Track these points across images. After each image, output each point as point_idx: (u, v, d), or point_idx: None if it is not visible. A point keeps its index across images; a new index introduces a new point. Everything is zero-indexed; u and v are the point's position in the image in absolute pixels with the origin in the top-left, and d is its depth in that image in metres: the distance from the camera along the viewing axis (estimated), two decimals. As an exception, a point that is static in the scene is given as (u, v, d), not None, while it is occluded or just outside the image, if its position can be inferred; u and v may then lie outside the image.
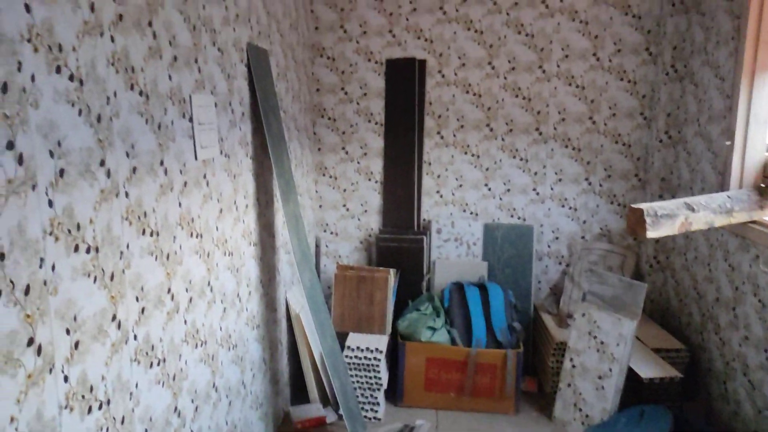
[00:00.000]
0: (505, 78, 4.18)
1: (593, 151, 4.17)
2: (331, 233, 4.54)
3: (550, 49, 4.10)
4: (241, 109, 2.74)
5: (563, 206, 4.25)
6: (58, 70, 1.39)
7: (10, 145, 1.23)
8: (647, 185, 4.10)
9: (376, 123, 4.35)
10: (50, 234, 1.37)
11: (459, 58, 4.20)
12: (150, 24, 1.85)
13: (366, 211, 4.47)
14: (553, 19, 4.06)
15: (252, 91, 2.87)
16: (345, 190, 4.47)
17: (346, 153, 4.41)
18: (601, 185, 4.20)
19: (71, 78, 1.44)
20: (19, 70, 1.26)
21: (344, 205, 4.49)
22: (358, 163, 4.41)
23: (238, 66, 2.69)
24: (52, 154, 1.37)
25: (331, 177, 4.46)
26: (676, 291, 3.87)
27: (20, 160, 1.26)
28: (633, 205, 2.80)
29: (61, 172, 1.40)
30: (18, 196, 1.26)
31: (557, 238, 4.29)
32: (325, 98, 4.34)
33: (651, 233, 2.70)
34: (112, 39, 1.63)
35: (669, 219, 2.74)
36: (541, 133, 4.21)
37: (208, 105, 2.29)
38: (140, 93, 1.79)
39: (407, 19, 4.18)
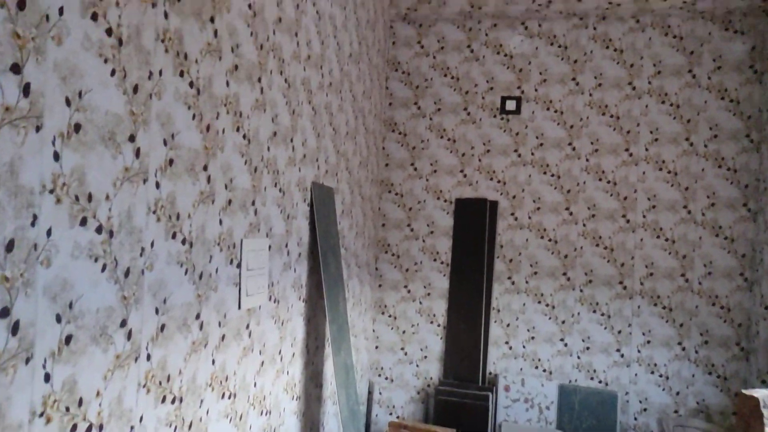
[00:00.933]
0: (584, 225, 3.88)
1: (687, 312, 3.70)
2: (386, 378, 4.15)
3: (634, 198, 3.81)
4: (299, 250, 2.57)
5: (652, 372, 3.72)
6: (84, 222, 1.23)
7: (5, 312, 1.04)
8: (751, 356, 3.53)
9: (442, 263, 4.10)
10: (40, 415, 1.13)
11: (534, 202, 3.98)
12: (205, 168, 1.73)
13: (426, 357, 4.09)
14: (637, 168, 3.82)
15: (312, 230, 2.71)
16: (404, 332, 4.14)
17: (408, 292, 4.14)
18: (696, 352, 3.66)
19: (99, 230, 1.28)
20: (33, 224, 1.10)
21: (402, 349, 4.14)
22: (420, 303, 4.12)
23: (300, 205, 2.55)
24: (59, 318, 1.17)
25: (390, 316, 4.16)
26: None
27: (15, 329, 1.06)
28: (745, 392, 2.32)
29: (68, 339, 1.19)
30: (4, 372, 1.04)
31: (645, 410, 3.70)
32: (390, 233, 4.17)
33: (776, 435, 2.19)
34: (158, 185, 1.50)
35: (798, 418, 2.23)
36: (625, 288, 3.80)
37: (260, 249, 2.12)
38: (183, 241, 1.62)
39: (480, 160, 4.05)
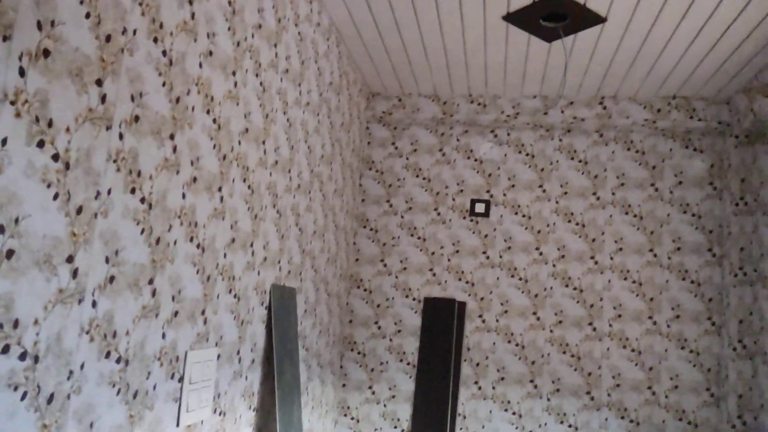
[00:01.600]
0: (551, 331, 3.86)
1: (654, 427, 3.62)
2: (346, 486, 3.95)
3: (600, 306, 3.82)
4: (252, 356, 2.50)
5: (620, 491, 3.58)
6: (6, 349, 1.20)
7: None
8: (723, 477, 3.43)
9: (408, 363, 4.01)
10: None
11: (501, 305, 3.97)
12: (151, 281, 1.71)
13: (388, 464, 3.92)
14: (603, 276, 3.86)
15: (269, 334, 2.66)
16: (367, 436, 3.98)
17: (373, 393, 4.02)
18: (665, 469, 3.55)
19: (23, 356, 1.24)
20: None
21: (364, 454, 3.96)
22: (385, 406, 3.99)
23: (257, 309, 2.52)
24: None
25: (353, 419, 4.02)
26: None
27: None
28: None
29: (-31, 479, 1.13)
30: None
31: None
32: (356, 330, 4.10)
33: None
34: (94, 304, 1.47)
35: None
36: (593, 398, 3.73)
37: (207, 359, 2.06)
38: (118, 360, 1.58)
39: (449, 260, 4.07)
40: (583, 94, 3.88)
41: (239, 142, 2.25)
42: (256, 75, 2.36)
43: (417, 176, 4.19)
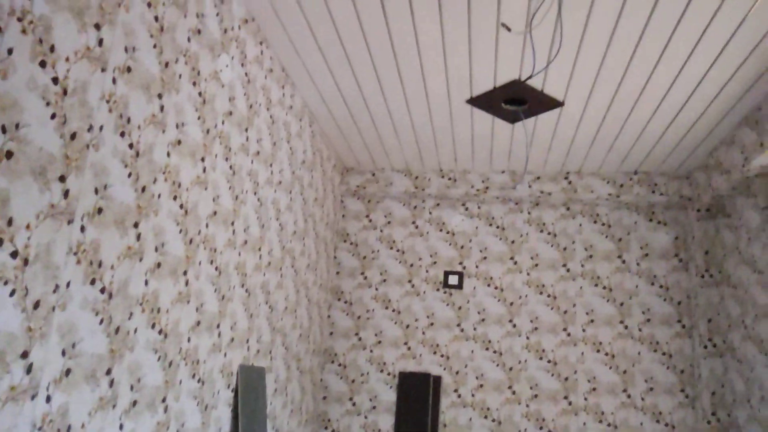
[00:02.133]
0: (527, 406, 3.82)
1: (634, 504, 3.54)
2: None
3: (575, 379, 3.81)
4: (216, 442, 2.44)
5: None
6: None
7: None
8: None
9: (384, 441, 3.92)
10: None
11: (477, 378, 3.94)
12: (109, 372, 1.70)
13: None
14: (576, 348, 3.87)
15: (234, 418, 2.60)
16: None
17: (347, 473, 3.90)
18: None
19: (-37, 462, 1.22)
20: None
21: None
22: (360, 487, 3.86)
23: (222, 393, 2.48)
24: None
25: (326, 501, 3.87)
26: None
27: None
28: None
29: None
30: None
31: None
32: (331, 407, 4.02)
33: None
34: (48, 399, 1.45)
35: None
36: (569, 475, 3.65)
37: (167, 448, 2.01)
38: (70, 455, 1.54)
39: (423, 333, 4.06)
40: (549, 169, 4.02)
41: (207, 225, 2.28)
42: (226, 159, 2.43)
43: (391, 248, 4.24)
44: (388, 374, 4.04)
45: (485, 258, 4.13)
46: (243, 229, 2.64)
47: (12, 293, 1.33)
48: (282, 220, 3.14)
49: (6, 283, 1.31)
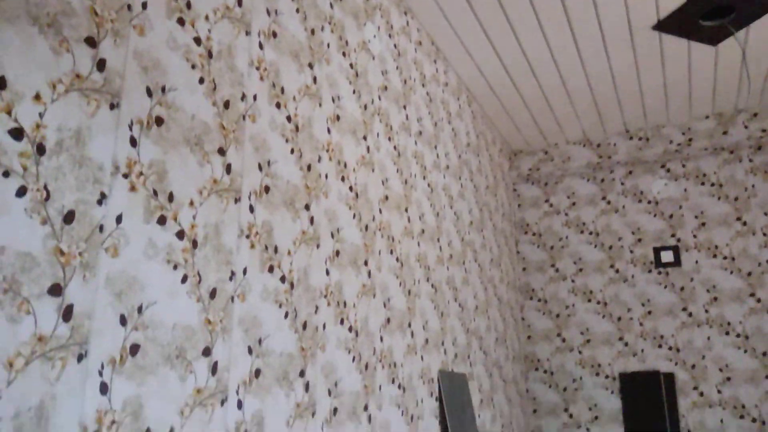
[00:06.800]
0: (801, 398, 3.00)
1: None
2: None
3: None
4: (429, 459, 2.12)
5: None
6: (133, 471, 0.98)
7: None
8: None
9: (615, 456, 3.32)
10: None
11: (720, 371, 3.20)
12: (302, 374, 1.47)
13: None
14: None
15: (444, 430, 2.27)
16: None
17: (577, 496, 3.35)
18: None
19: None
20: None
21: None
22: None
23: (426, 401, 2.17)
24: None
25: None
26: None
27: None
28: None
29: None
30: None
31: None
32: (544, 421, 3.52)
33: None
34: (239, 404, 1.24)
35: None
36: None
37: (378, 465, 1.73)
38: (273, 471, 1.31)
39: (641, 324, 3.43)
40: (770, 101, 3.24)
41: (380, 211, 2.03)
42: (389, 138, 2.18)
43: (582, 232, 3.69)
44: (606, 377, 3.45)
45: (704, 224, 3.41)
46: (418, 217, 2.36)
47: (184, 279, 1.15)
48: (456, 209, 2.82)
49: (176, 267, 1.13)
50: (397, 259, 2.12)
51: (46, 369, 0.87)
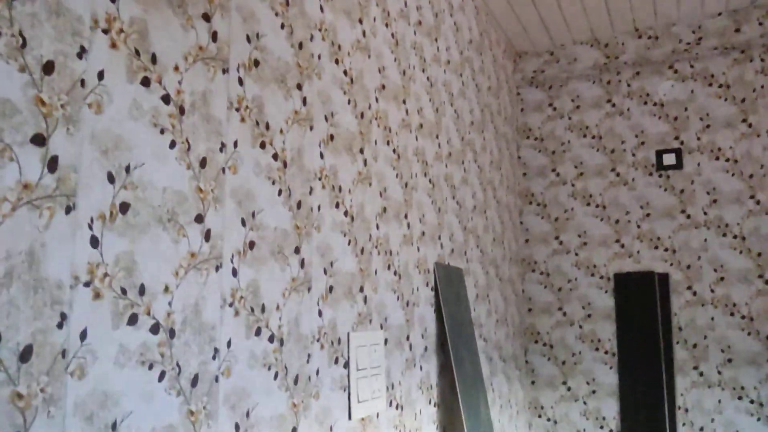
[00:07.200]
0: (791, 296, 3.07)
1: None
2: (551, 496, 3.46)
3: None
4: (424, 343, 2.20)
5: None
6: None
7: None
8: None
9: (606, 352, 3.44)
10: None
11: (715, 271, 3.25)
12: (297, 251, 1.49)
13: (597, 470, 3.36)
14: None
15: (439, 319, 2.35)
16: (567, 438, 3.47)
17: (568, 390, 3.51)
18: None
19: (155, 329, 1.05)
20: (55, 326, 0.89)
21: (567, 459, 3.45)
22: (585, 403, 3.46)
23: (422, 290, 2.22)
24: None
25: (549, 420, 3.53)
26: None
27: None
28: None
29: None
30: None
31: None
32: (538, 320, 3.63)
33: None
34: (234, 273, 1.27)
35: None
36: None
37: (373, 343, 1.80)
38: (271, 338, 1.36)
39: (639, 227, 3.45)
40: (788, -5, 3.09)
41: (376, 100, 1.99)
42: (386, 25, 2.10)
43: (584, 136, 3.65)
44: (601, 277, 3.52)
45: (708, 126, 3.36)
46: (416, 111, 2.31)
47: (172, 145, 1.14)
48: (456, 106, 2.77)
49: (163, 132, 1.12)
50: (394, 151, 2.10)
51: (34, 217, 0.88)
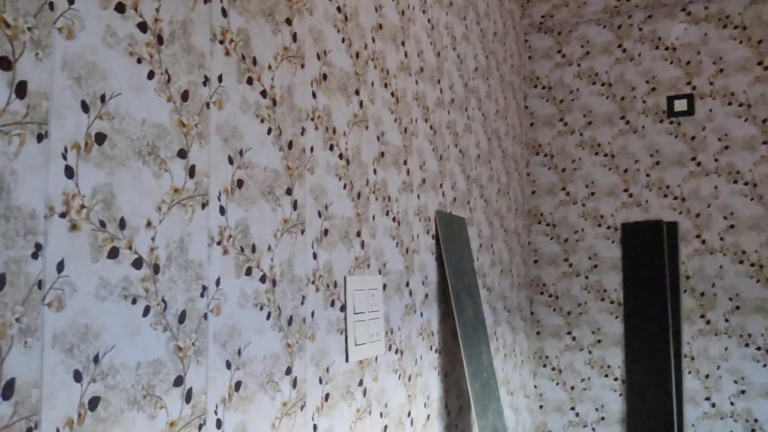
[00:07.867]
0: (802, 243, 3.01)
1: None
2: (555, 444, 3.51)
3: None
4: (424, 290, 2.19)
5: None
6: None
7: None
8: None
9: (612, 302, 3.43)
10: None
11: (725, 219, 3.19)
12: (289, 192, 1.46)
13: (603, 418, 3.39)
14: None
15: (440, 267, 2.32)
16: (573, 388, 3.49)
17: (573, 339, 3.51)
18: None
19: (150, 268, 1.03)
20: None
21: (573, 408, 3.48)
22: (590, 352, 3.46)
23: (422, 237, 2.20)
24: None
25: (554, 369, 3.55)
26: None
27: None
28: None
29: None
30: None
31: None
32: (543, 271, 3.61)
33: None
34: (222, 211, 1.24)
35: None
36: None
37: (371, 288, 1.78)
38: (262, 279, 1.34)
39: (648, 175, 3.38)
40: (811, -73, 2.93)
41: (373, 39, 1.92)
42: (382, -39, 2.01)
43: (594, 83, 3.54)
44: (609, 228, 3.47)
45: (722, 70, 3.24)
46: (416, 54, 2.24)
47: (150, 75, 1.09)
48: (459, 51, 2.68)
49: (140, 61, 1.07)
50: (392, 94, 2.04)
51: (3, 143, 0.84)
